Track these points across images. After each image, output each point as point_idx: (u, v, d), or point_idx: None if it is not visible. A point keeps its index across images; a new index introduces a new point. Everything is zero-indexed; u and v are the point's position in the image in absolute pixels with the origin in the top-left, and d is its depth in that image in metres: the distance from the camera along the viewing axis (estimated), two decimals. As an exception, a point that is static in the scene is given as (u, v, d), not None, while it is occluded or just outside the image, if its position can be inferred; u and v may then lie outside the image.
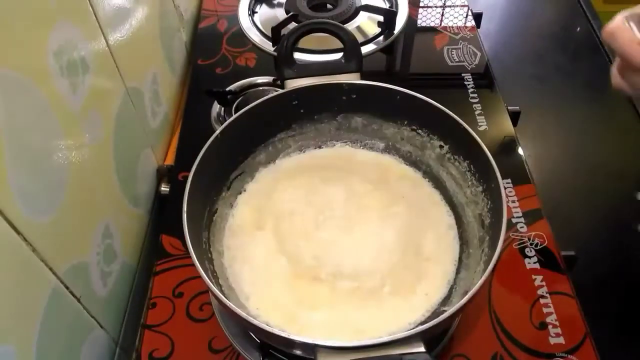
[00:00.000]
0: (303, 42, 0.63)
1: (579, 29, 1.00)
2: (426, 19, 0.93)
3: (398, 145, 0.64)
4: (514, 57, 0.96)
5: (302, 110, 0.62)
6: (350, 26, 0.88)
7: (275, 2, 0.94)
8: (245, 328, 0.54)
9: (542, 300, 0.57)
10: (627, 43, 0.44)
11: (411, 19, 0.91)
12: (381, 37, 0.88)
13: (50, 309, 0.45)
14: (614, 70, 0.48)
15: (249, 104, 0.58)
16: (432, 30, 0.90)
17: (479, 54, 0.85)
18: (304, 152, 0.65)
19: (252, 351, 0.54)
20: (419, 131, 0.61)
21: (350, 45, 0.60)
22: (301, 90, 0.60)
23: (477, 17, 0.92)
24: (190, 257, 0.46)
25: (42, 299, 0.45)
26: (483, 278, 0.44)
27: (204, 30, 0.91)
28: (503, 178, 0.50)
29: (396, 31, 0.88)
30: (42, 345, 0.44)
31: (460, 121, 0.55)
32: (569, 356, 0.53)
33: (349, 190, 0.61)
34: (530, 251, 0.61)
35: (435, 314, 0.51)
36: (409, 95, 0.58)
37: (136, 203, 0.66)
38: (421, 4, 0.95)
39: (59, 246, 0.47)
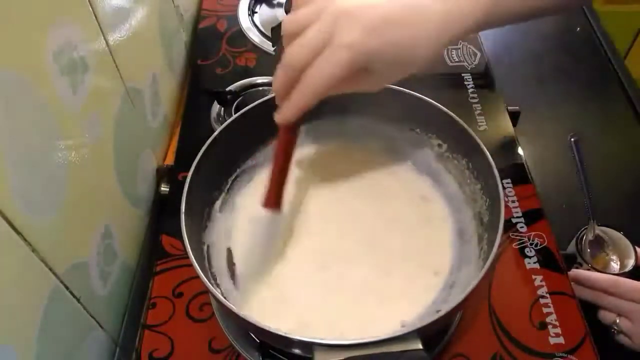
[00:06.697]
0: (303, 42, 0.63)
1: (578, 29, 1.00)
2: (426, 19, 0.92)
3: (397, 145, 0.64)
4: (514, 57, 0.96)
5: (301, 110, 0.62)
6: (350, 26, 0.87)
7: (275, 2, 0.94)
8: (245, 328, 0.54)
9: (542, 300, 0.57)
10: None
11: (411, 19, 0.91)
12: (381, 37, 0.88)
13: (50, 309, 0.45)
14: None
15: (249, 104, 0.58)
16: (432, 30, 0.90)
17: (478, 54, 0.85)
18: (303, 152, 0.65)
19: (252, 351, 0.54)
20: (418, 130, 0.61)
21: (350, 45, 0.60)
22: (301, 90, 0.59)
23: (477, 17, 0.92)
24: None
25: (42, 299, 0.45)
26: (480, 275, 0.44)
27: (204, 30, 0.91)
28: (503, 178, 0.50)
29: (396, 31, 0.88)
30: (42, 345, 0.44)
31: (458, 119, 0.55)
32: (568, 356, 0.53)
33: (348, 189, 0.61)
34: (530, 251, 0.61)
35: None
36: (408, 95, 0.58)
37: (136, 203, 0.66)
38: (421, 4, 0.95)
39: (59, 246, 0.47)
